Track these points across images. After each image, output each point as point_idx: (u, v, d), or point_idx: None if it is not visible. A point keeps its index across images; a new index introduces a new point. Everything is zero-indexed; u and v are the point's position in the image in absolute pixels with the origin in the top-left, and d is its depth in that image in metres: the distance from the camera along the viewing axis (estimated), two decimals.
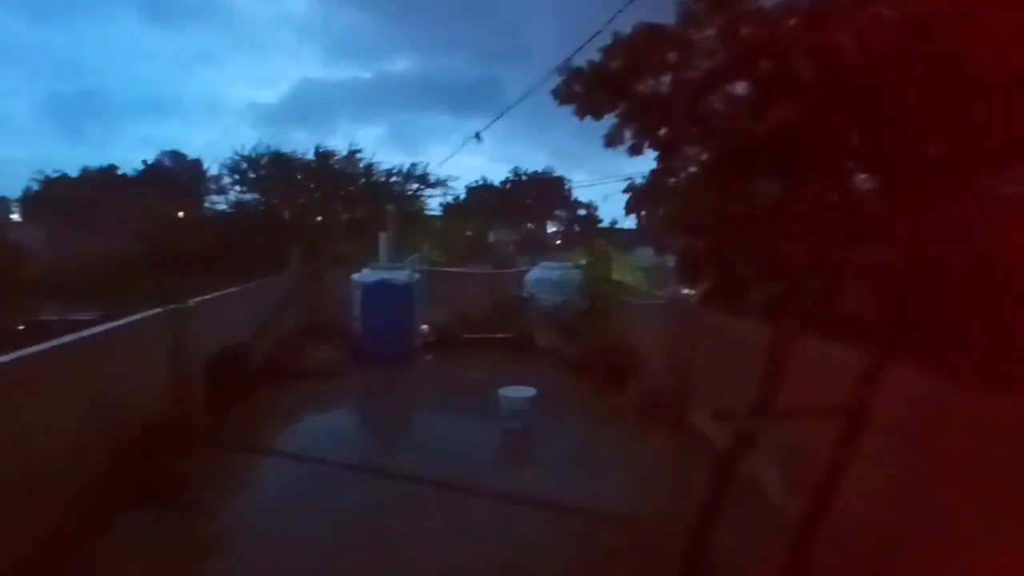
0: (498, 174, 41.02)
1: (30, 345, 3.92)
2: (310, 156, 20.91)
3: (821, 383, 3.39)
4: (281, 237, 15.54)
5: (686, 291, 7.59)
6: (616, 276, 11.84)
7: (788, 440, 4.24)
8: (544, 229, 37.50)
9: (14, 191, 35.46)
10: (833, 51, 4.37)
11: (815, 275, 4.60)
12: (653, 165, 7.89)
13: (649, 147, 7.14)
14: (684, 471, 5.51)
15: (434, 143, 69.97)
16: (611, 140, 7.11)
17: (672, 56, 6.44)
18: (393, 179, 21.71)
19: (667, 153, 7.20)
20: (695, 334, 6.76)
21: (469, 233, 22.83)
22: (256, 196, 21.25)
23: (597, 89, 6.58)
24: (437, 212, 24.61)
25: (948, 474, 3.22)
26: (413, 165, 22.03)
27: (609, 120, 7.13)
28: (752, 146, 5.51)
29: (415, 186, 22.19)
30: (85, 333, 4.55)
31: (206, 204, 24.99)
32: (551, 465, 5.94)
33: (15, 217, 34.79)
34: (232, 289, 8.09)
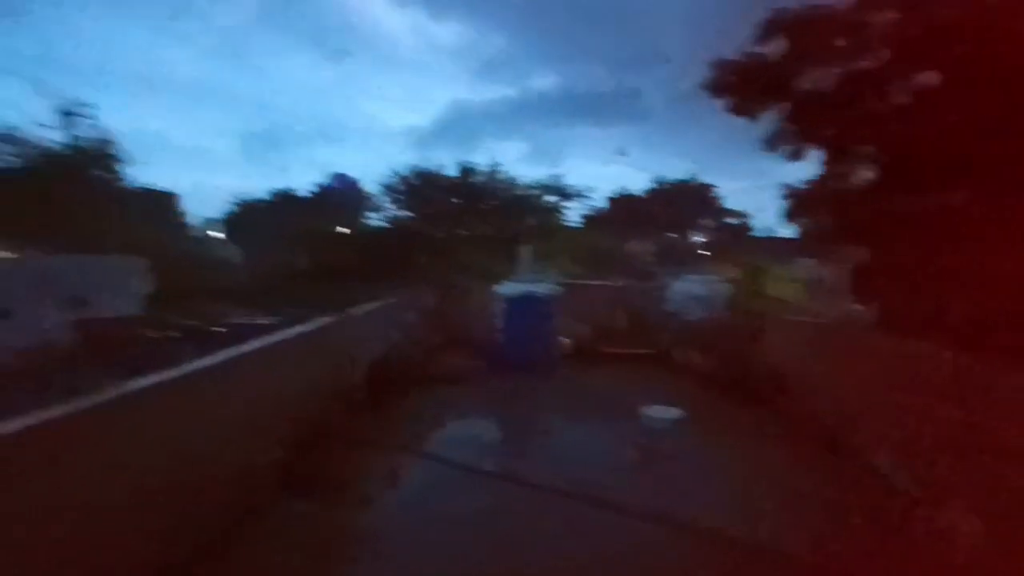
0: (639, 183, 40.02)
1: (229, 344, 4.49)
2: (454, 174, 22.03)
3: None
4: (429, 251, 16.49)
5: (855, 307, 6.77)
6: (770, 290, 10.95)
7: (977, 476, 3.54)
8: (688, 239, 35.88)
9: (217, 213, 41.65)
10: None
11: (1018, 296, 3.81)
12: (816, 169, 7.17)
13: (815, 149, 6.48)
14: (849, 508, 4.85)
15: (575, 155, 70.18)
16: (772, 142, 6.55)
17: (841, 43, 5.78)
18: (532, 192, 22.13)
19: (835, 155, 6.48)
20: (866, 356, 5.97)
21: (608, 244, 22.53)
22: (406, 213, 22.84)
23: (752, 82, 6.09)
24: (576, 223, 24.65)
25: None
26: (552, 178, 22.31)
27: (761, 119, 6.60)
28: (942, 144, 4.75)
29: (553, 198, 22.42)
30: (267, 340, 5.11)
31: (364, 221, 27.37)
32: (694, 488, 5.55)
33: (218, 235, 40.82)
34: (387, 300, 8.70)
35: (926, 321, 5.17)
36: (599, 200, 31.27)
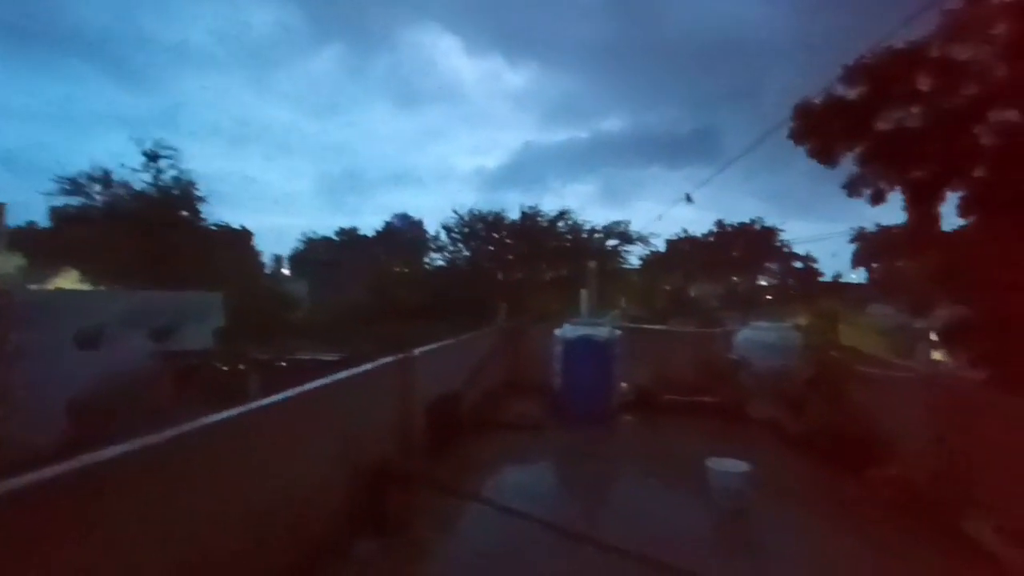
0: (704, 225, 39.10)
1: (292, 379, 4.57)
2: (517, 216, 22.32)
3: None
4: (489, 292, 16.64)
5: (947, 360, 6.26)
6: (845, 339, 10.33)
7: None
8: (753, 283, 34.68)
9: (287, 251, 43.78)
10: None
11: None
12: (892, 212, 6.83)
13: (899, 191, 6.17)
14: None
15: (645, 196, 70.45)
16: (853, 185, 6.29)
17: (926, 82, 5.54)
18: (595, 236, 22.10)
19: (921, 197, 6.14)
20: (973, 417, 5.41)
21: (669, 288, 22.10)
22: (467, 254, 23.22)
23: (831, 124, 5.89)
24: (639, 267, 24.33)
25: None
26: (616, 223, 22.23)
27: (841, 161, 6.36)
28: None
29: (615, 242, 22.30)
30: (333, 377, 5.15)
31: (426, 260, 28.08)
32: (772, 557, 5.14)
33: (285, 272, 42.75)
34: (448, 341, 8.74)
35: None
36: (663, 243, 30.87)
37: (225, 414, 3.45)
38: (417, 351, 6.98)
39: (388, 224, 44.55)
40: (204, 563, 3.12)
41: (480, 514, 5.76)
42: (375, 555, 4.66)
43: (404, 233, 40.90)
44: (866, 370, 7.97)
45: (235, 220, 30.17)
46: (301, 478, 4.28)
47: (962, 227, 5.76)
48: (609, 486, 7.41)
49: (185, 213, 23.40)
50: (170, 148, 22.29)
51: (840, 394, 8.43)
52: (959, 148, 5.48)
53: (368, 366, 5.88)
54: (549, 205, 22.93)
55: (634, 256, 23.79)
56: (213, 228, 24.90)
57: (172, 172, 22.50)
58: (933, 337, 6.48)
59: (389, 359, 6.37)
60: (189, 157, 22.40)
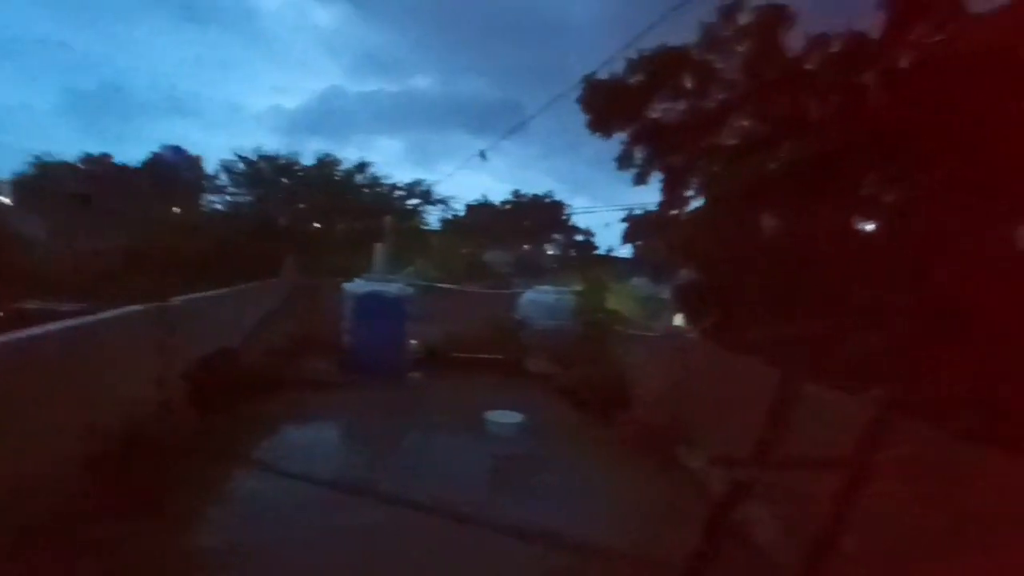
0: (502, 194, 40.97)
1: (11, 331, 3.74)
2: (312, 163, 20.81)
3: (824, 432, 3.27)
4: (277, 243, 15.38)
5: (683, 323, 7.48)
6: (611, 304, 11.75)
7: (785, 486, 4.10)
8: (540, 252, 37.48)
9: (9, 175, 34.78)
10: (855, 92, 4.36)
11: (825, 316, 4.51)
12: (657, 196, 7.90)
13: (658, 173, 7.12)
14: (673, 511, 5.33)
15: (448, 161, 70.56)
16: (622, 162, 7.09)
17: (689, 82, 6.46)
18: (397, 193, 21.65)
19: (674, 183, 7.19)
20: (692, 369, 6.60)
21: (465, 251, 22.72)
22: (253, 199, 21.07)
23: (611, 103, 6.58)
24: (437, 228, 24.54)
25: (954, 532, 3.06)
26: (418, 182, 22.00)
27: (614, 139, 7.13)
28: (763, 182, 5.47)
29: (417, 201, 22.14)
30: (66, 323, 4.35)
31: (203, 203, 24.85)
32: (536, 495, 5.74)
33: (5, 200, 34.09)
34: (220, 291, 7.89)
35: (743, 337, 5.88)
36: (462, 207, 31.52)
37: None
38: (177, 299, 6.16)
39: (155, 155, 38.04)
40: None
41: (256, 478, 5.42)
42: (122, 536, 3.95)
43: (175, 168, 35.34)
44: (624, 331, 9.20)
45: None
46: (18, 455, 3.51)
47: (694, 210, 6.91)
48: (396, 440, 7.48)
49: None
50: None
51: (603, 351, 9.62)
52: (706, 144, 6.49)
53: (111, 313, 5.01)
54: (352, 157, 21.69)
55: (434, 218, 23.98)
56: None
57: None
58: (669, 303, 7.71)
59: (139, 307, 5.50)
60: None
